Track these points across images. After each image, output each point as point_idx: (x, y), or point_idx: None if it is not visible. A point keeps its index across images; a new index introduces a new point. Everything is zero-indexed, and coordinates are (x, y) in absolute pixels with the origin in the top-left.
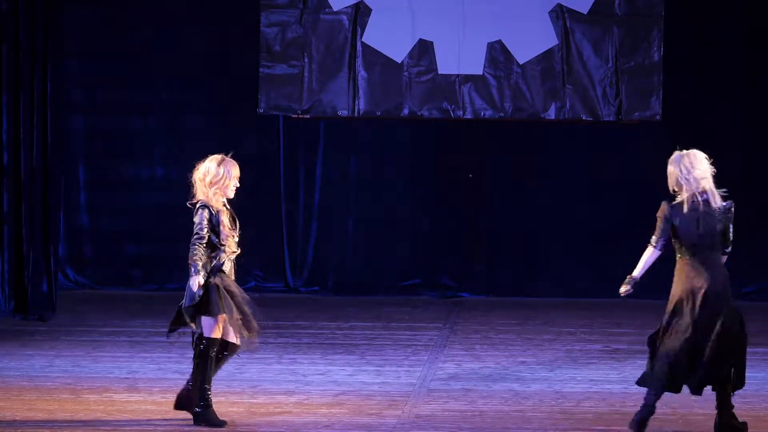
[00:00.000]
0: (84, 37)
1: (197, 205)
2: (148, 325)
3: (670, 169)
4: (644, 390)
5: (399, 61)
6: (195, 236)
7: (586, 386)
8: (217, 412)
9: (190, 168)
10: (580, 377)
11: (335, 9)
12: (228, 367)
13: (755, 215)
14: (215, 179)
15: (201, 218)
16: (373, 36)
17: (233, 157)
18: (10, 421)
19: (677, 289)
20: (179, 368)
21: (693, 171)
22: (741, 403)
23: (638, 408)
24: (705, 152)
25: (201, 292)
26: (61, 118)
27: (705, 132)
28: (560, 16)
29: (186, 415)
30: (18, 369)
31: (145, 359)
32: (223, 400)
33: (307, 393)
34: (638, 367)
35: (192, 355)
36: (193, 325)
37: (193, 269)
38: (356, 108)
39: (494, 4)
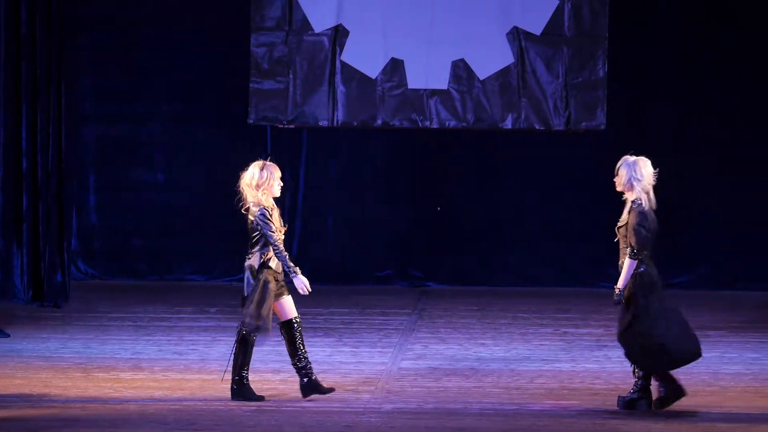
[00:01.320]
0: (95, 56)
1: (257, 212)
2: (151, 312)
3: (623, 171)
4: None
5: (373, 77)
6: (272, 241)
7: (539, 365)
8: (214, 388)
9: (189, 172)
10: (534, 357)
11: (317, 31)
12: (220, 348)
13: (686, 212)
14: (261, 182)
15: (264, 221)
16: (351, 55)
17: (272, 160)
18: (28, 396)
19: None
20: (178, 349)
21: (644, 174)
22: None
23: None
24: (644, 155)
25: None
26: (73, 128)
27: (644, 139)
28: (516, 37)
29: (183, 390)
30: (35, 350)
31: (147, 342)
32: (216, 377)
33: (291, 371)
34: (584, 347)
35: (289, 340)
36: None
37: (293, 273)
38: (335, 119)
39: (458, 26)
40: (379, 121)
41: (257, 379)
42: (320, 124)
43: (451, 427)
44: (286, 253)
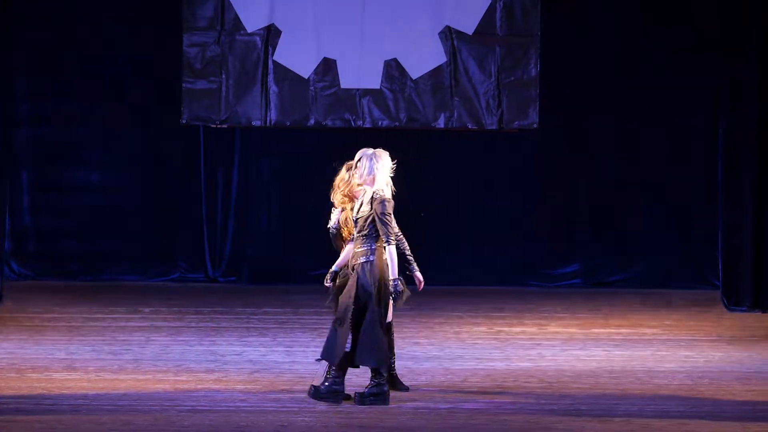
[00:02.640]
0: (28, 56)
1: (385, 205)
2: (84, 312)
3: (366, 162)
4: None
5: (306, 77)
6: (397, 232)
7: (473, 364)
8: (145, 390)
9: (123, 172)
10: (467, 356)
11: (249, 31)
12: (154, 348)
13: (623, 210)
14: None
15: (389, 213)
16: (283, 55)
17: None
18: None
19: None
20: (112, 349)
21: (385, 165)
22: (608, 378)
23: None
24: (578, 154)
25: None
26: (7, 130)
27: (577, 138)
28: (449, 36)
29: (117, 390)
30: None
31: (81, 342)
32: (150, 377)
33: (225, 371)
34: (518, 346)
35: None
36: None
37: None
38: (268, 118)
39: (390, 25)
40: (312, 121)
41: (190, 379)
42: (253, 123)
43: (385, 426)
44: None
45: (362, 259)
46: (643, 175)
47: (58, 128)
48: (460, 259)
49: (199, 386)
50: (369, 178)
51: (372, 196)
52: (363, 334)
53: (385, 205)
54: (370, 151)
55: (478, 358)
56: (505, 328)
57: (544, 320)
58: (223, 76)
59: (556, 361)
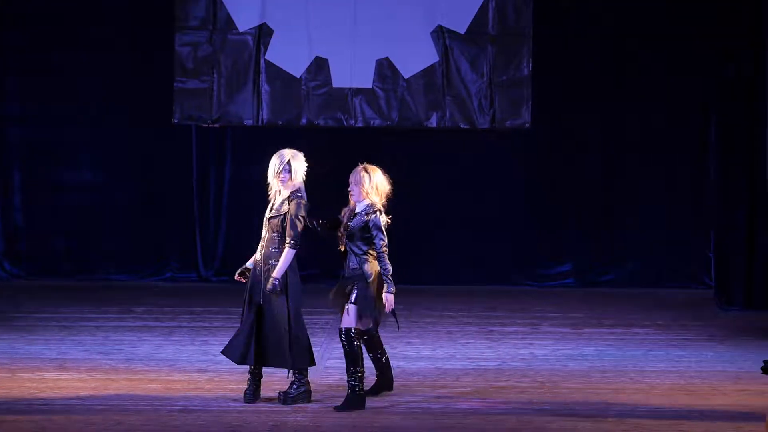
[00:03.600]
0: (21, 56)
1: (301, 206)
2: (76, 312)
3: (276, 160)
4: None
5: (298, 76)
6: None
7: (465, 363)
8: (137, 390)
9: (114, 172)
10: (459, 355)
11: (241, 30)
12: (147, 348)
13: (616, 209)
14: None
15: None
16: (275, 54)
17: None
18: None
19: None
20: (104, 349)
21: (302, 167)
22: (601, 377)
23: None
24: (570, 153)
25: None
26: None
27: (569, 136)
28: (441, 35)
29: (108, 390)
30: None
31: (73, 342)
32: (142, 377)
33: (217, 371)
34: (510, 346)
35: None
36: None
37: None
38: (260, 118)
39: (382, 25)
40: (304, 120)
41: (183, 379)
42: (245, 123)
43: (377, 426)
44: None
45: (273, 262)
46: (635, 174)
47: (50, 128)
48: (452, 259)
49: (192, 386)
50: (295, 181)
51: (290, 197)
52: (269, 335)
53: (301, 208)
54: (286, 151)
55: (470, 358)
56: (498, 328)
57: (537, 320)
58: (215, 76)
59: (549, 360)
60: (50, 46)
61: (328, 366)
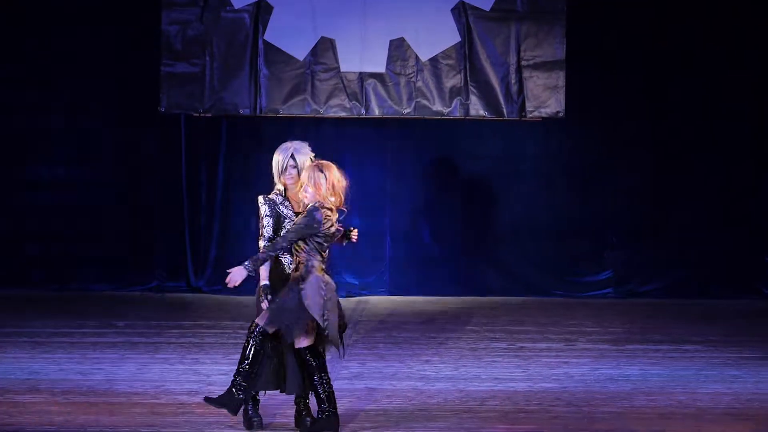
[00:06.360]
0: None
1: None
2: (50, 326)
3: (278, 156)
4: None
5: (301, 59)
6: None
7: (491, 384)
8: (119, 414)
9: (93, 168)
10: (485, 376)
11: (236, 7)
12: (130, 367)
13: (660, 211)
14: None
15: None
16: (275, 34)
17: None
18: None
19: None
20: (81, 369)
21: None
22: (645, 401)
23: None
24: (609, 148)
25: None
26: None
27: (608, 128)
28: (462, 13)
29: (87, 414)
30: None
31: (47, 360)
32: (125, 401)
33: (210, 393)
34: (543, 365)
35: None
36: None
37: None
38: (258, 106)
39: (396, 0)
40: (308, 109)
41: (170, 402)
42: (241, 112)
43: None
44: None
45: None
46: (681, 172)
47: (18, 119)
48: (476, 266)
49: (180, 410)
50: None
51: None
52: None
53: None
54: (287, 144)
55: (497, 378)
56: (528, 344)
57: (572, 335)
58: (207, 59)
59: (586, 381)
60: (19, 23)
61: (336, 388)
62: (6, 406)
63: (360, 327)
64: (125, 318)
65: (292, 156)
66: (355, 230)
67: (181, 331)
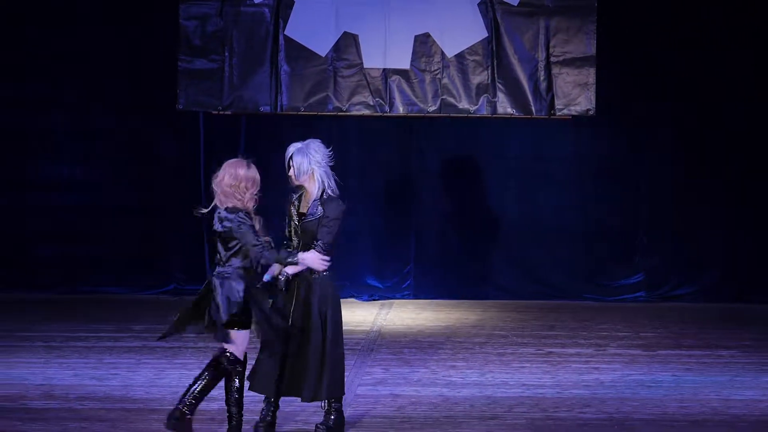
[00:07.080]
0: None
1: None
2: (65, 330)
3: (298, 160)
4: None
5: (323, 55)
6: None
7: (519, 391)
8: (136, 421)
9: (108, 167)
10: (512, 382)
11: (257, 1)
12: (147, 373)
13: (694, 212)
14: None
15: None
16: (296, 29)
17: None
18: None
19: None
20: (96, 374)
21: (322, 155)
22: (678, 408)
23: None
24: (642, 147)
25: None
26: None
27: (641, 125)
28: (490, 8)
29: (103, 421)
30: None
31: (61, 365)
32: (142, 407)
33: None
34: (572, 370)
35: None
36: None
37: None
38: (279, 103)
39: None
40: (330, 107)
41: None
42: (261, 109)
43: None
44: None
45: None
46: (716, 172)
47: (26, 115)
48: (503, 269)
49: (199, 417)
50: (306, 177)
51: (323, 196)
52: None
53: (340, 209)
54: (299, 144)
55: (525, 384)
56: (557, 350)
57: (603, 340)
58: (227, 54)
59: (617, 387)
60: (24, 16)
61: (359, 394)
62: (20, 412)
63: (384, 331)
64: (142, 322)
65: (291, 157)
66: None
67: (200, 335)
